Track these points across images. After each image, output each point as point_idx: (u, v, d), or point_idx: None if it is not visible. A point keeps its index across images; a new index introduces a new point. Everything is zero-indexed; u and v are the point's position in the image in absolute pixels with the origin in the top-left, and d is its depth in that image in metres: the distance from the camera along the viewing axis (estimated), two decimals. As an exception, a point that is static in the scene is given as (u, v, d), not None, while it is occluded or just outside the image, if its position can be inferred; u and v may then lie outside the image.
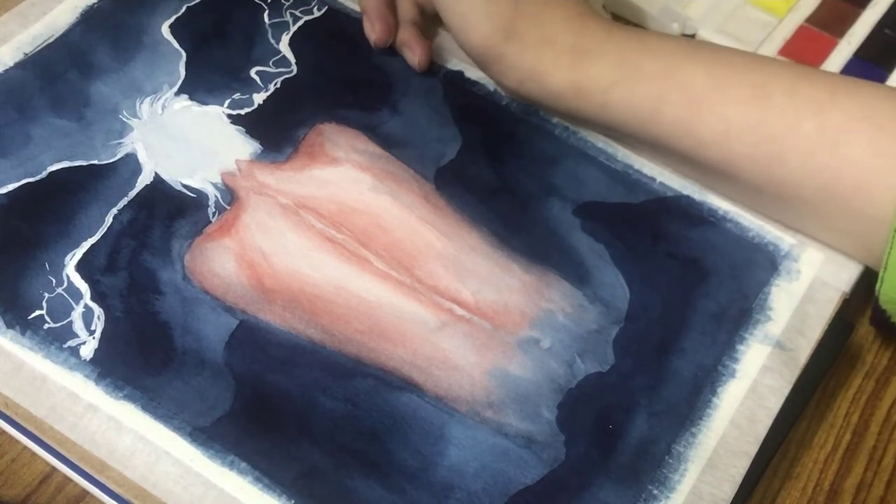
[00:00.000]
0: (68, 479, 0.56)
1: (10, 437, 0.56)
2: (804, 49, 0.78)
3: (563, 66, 0.62)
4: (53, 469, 0.56)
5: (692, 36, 0.79)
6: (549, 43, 0.62)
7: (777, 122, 0.59)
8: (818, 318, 0.61)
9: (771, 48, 0.77)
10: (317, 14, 0.73)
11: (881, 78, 0.76)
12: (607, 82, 0.61)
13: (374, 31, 0.69)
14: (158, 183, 0.63)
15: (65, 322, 0.57)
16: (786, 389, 0.58)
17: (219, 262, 0.60)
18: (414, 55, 0.69)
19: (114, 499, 0.53)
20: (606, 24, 0.63)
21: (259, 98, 0.68)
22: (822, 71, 0.62)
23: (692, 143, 0.61)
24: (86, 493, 0.55)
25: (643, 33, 0.63)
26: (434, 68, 0.70)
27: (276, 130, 0.66)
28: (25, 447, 0.56)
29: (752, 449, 0.56)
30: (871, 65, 0.77)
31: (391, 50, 0.71)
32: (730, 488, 0.55)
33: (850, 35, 0.79)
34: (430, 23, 0.72)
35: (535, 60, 0.62)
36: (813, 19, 0.80)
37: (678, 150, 0.62)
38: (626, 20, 0.81)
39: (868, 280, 0.62)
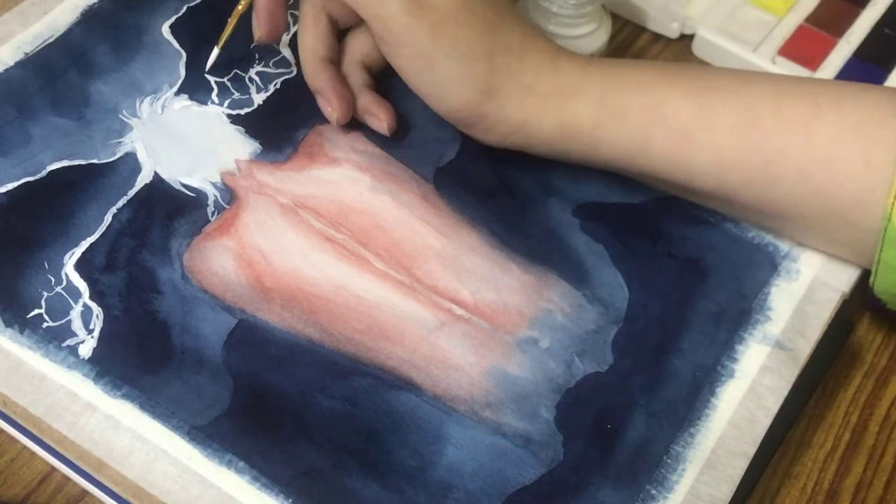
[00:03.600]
0: (68, 479, 0.56)
1: (10, 437, 0.56)
2: (803, 49, 0.78)
3: (546, 112, 0.60)
4: (53, 469, 0.56)
5: (691, 36, 0.79)
6: (529, 93, 0.60)
7: (767, 147, 0.58)
8: (818, 319, 0.61)
9: (770, 48, 0.78)
10: (317, 14, 0.73)
11: (880, 77, 0.76)
12: (592, 123, 0.60)
13: (334, 110, 0.65)
14: (158, 182, 0.63)
15: (63, 321, 0.57)
16: (785, 389, 0.58)
17: (218, 262, 0.60)
18: (381, 122, 0.66)
19: (113, 498, 0.53)
20: (581, 62, 0.61)
21: (259, 98, 0.68)
22: (804, 81, 0.61)
23: (684, 175, 0.60)
24: (85, 492, 0.55)
25: (619, 65, 0.62)
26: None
27: (275, 130, 0.66)
28: (25, 447, 0.56)
29: (751, 449, 0.56)
30: (871, 64, 0.77)
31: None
32: (728, 489, 0.55)
33: (850, 35, 0.79)
34: (379, 78, 0.69)
35: (518, 112, 0.60)
36: (812, 19, 0.80)
37: (670, 181, 0.62)
38: (626, 20, 0.81)
39: (867, 279, 0.62)
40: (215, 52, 0.67)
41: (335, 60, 0.66)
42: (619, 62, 0.62)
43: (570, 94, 0.60)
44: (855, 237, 0.59)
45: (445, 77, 0.59)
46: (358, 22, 0.66)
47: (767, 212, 0.61)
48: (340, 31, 0.67)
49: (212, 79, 0.68)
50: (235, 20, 0.66)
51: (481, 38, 0.59)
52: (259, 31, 0.65)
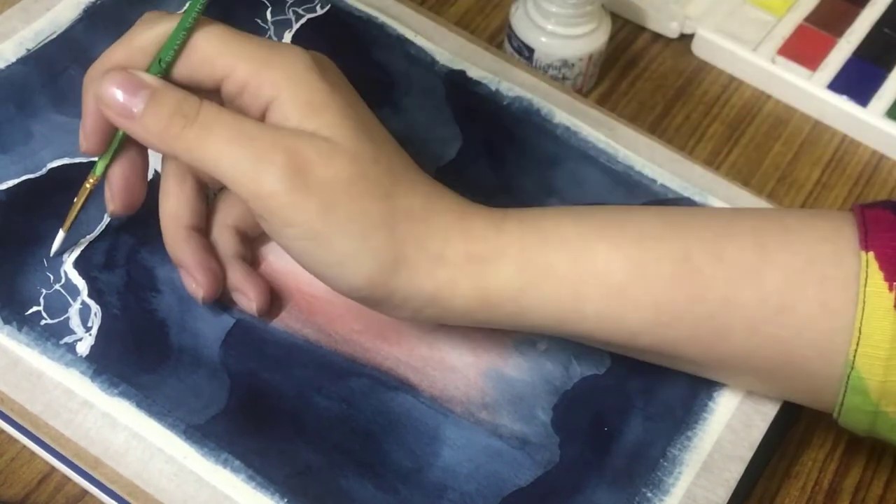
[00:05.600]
0: (67, 479, 0.55)
1: (10, 437, 0.56)
2: (803, 48, 0.78)
3: (461, 281, 0.53)
4: (52, 468, 0.56)
5: (691, 36, 0.79)
6: (439, 261, 0.52)
7: (711, 298, 0.53)
8: (816, 321, 0.61)
9: (770, 47, 0.78)
10: (319, 12, 0.72)
11: (880, 77, 0.77)
12: (515, 289, 0.53)
13: (199, 286, 0.57)
14: (157, 181, 0.62)
15: (62, 318, 0.57)
16: (782, 393, 0.58)
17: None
18: (250, 300, 0.58)
19: (114, 499, 0.53)
20: (494, 218, 0.55)
21: (260, 95, 0.68)
22: (743, 217, 0.56)
23: (622, 336, 0.54)
24: (85, 492, 0.55)
25: (538, 219, 0.55)
26: (436, 67, 0.70)
27: (275, 128, 0.66)
28: (25, 447, 0.56)
29: (748, 454, 0.56)
30: (870, 64, 0.78)
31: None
32: (724, 492, 0.55)
33: (849, 34, 0.79)
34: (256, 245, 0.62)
35: (431, 285, 0.52)
36: (812, 18, 0.80)
37: (606, 341, 0.55)
38: (626, 19, 0.81)
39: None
40: (60, 235, 0.59)
41: (201, 228, 0.59)
42: (536, 213, 0.56)
43: (487, 259, 0.53)
44: (814, 385, 0.54)
45: (342, 255, 0.51)
46: None
47: (715, 367, 0.56)
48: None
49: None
50: (83, 200, 0.58)
51: (379, 207, 0.52)
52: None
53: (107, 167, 0.56)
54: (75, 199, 0.58)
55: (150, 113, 0.51)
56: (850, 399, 0.52)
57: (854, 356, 0.50)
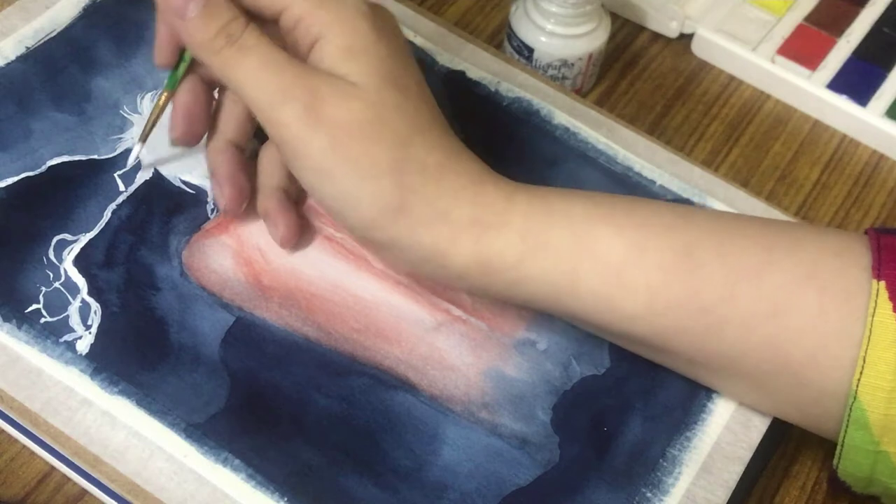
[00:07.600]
0: (67, 479, 0.56)
1: (9, 437, 0.56)
2: (803, 48, 0.78)
3: (463, 242, 0.53)
4: (52, 468, 0.56)
5: (691, 35, 0.79)
6: (443, 218, 0.53)
7: (708, 291, 0.52)
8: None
9: (769, 47, 0.78)
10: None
11: (880, 77, 0.77)
12: (514, 257, 0.53)
13: (222, 196, 0.60)
14: (157, 179, 0.63)
15: (61, 316, 0.57)
16: (782, 393, 0.58)
17: (216, 259, 0.60)
18: (276, 230, 0.60)
19: (111, 496, 0.53)
20: (507, 189, 0.55)
21: (259, 94, 0.68)
22: (753, 221, 0.56)
23: (614, 318, 0.54)
24: (85, 492, 0.55)
25: (549, 195, 0.55)
26: (435, 67, 0.70)
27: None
28: (24, 446, 0.56)
29: (747, 455, 0.56)
30: (870, 64, 0.78)
31: None
32: (724, 493, 0.55)
33: (849, 34, 0.79)
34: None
35: (430, 239, 0.53)
36: (812, 18, 0.80)
37: (600, 324, 0.55)
38: (626, 19, 0.81)
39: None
40: (137, 147, 0.61)
41: (243, 147, 0.62)
42: (549, 191, 0.56)
43: (492, 225, 0.54)
44: (806, 397, 0.53)
45: (346, 193, 0.53)
46: None
47: (707, 365, 0.55)
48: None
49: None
50: (157, 114, 0.60)
51: (389, 154, 0.52)
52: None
53: (177, 82, 0.59)
54: (150, 113, 0.60)
55: (200, 21, 0.53)
56: (852, 435, 0.51)
57: (857, 386, 0.50)
